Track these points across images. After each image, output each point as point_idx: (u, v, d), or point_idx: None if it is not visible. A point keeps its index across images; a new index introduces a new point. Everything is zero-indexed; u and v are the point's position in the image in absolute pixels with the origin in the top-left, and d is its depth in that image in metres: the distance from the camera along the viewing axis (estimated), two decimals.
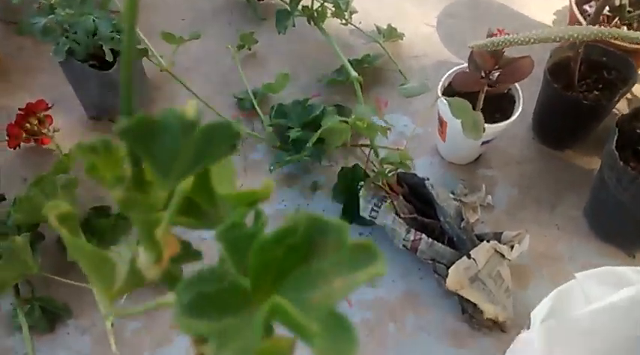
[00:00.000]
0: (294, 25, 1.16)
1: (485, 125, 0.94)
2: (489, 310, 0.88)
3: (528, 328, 0.74)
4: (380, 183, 0.96)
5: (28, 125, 1.05)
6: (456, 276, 0.88)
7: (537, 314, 0.75)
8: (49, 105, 1.07)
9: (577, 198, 1.06)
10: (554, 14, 1.35)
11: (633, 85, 1.04)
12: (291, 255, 0.25)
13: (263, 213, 0.28)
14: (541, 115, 1.13)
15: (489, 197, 1.05)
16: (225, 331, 0.23)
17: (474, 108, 0.92)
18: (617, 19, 1.15)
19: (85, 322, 0.94)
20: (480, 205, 1.03)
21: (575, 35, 0.85)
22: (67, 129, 1.12)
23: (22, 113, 1.05)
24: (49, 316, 0.92)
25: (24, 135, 1.05)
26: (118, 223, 1.00)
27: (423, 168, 1.09)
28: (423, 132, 1.14)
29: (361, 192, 0.97)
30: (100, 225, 0.98)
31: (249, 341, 0.23)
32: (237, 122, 0.24)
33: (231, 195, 0.28)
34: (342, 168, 1.04)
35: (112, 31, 0.98)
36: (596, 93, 1.05)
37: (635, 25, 1.15)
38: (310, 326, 0.22)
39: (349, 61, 1.14)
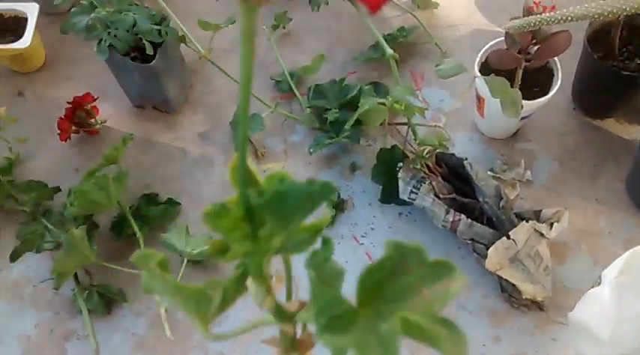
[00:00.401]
0: (327, 3, 1.16)
1: (524, 101, 0.94)
2: (528, 290, 0.90)
3: (599, 285, 0.76)
4: (418, 166, 0.97)
5: (76, 118, 1.09)
6: (496, 257, 0.90)
7: (609, 272, 0.76)
8: (95, 97, 1.11)
9: (618, 168, 1.05)
10: None
11: None
12: (385, 275, 0.30)
13: (330, 240, 0.34)
14: (581, 85, 1.11)
15: (528, 172, 1.05)
16: (359, 341, 0.28)
17: (511, 85, 0.92)
18: None
19: (140, 306, 1.00)
20: (518, 181, 1.04)
21: (615, 11, 0.83)
22: (114, 118, 1.16)
23: (70, 106, 1.09)
24: (105, 300, 0.98)
25: (73, 127, 1.10)
26: (167, 210, 1.04)
27: (462, 143, 1.10)
28: (462, 107, 1.13)
29: (400, 174, 0.98)
30: (150, 213, 1.03)
31: (381, 349, 0.28)
32: (333, 186, 0.30)
33: (301, 227, 0.33)
34: (381, 149, 1.05)
35: (151, 23, 1.00)
36: (638, 61, 1.03)
37: None
38: (438, 331, 0.27)
39: (384, 36, 1.14)
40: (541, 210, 0.96)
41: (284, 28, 1.25)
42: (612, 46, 1.02)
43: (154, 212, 1.03)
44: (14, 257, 0.99)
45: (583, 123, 1.11)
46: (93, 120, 1.11)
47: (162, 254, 0.32)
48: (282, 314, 0.33)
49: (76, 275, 0.99)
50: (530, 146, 1.09)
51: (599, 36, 1.04)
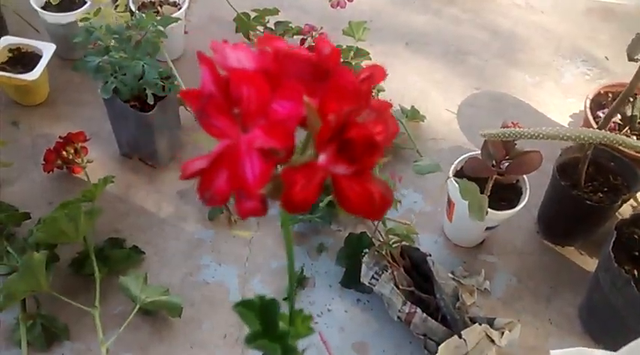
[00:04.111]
0: None
1: (491, 211, 0.99)
2: None
3: None
4: (384, 253, 1.00)
5: (64, 153, 1.12)
6: (446, 354, 0.90)
7: None
8: (88, 138, 1.15)
9: (573, 295, 1.08)
10: (570, 117, 1.41)
11: (637, 192, 1.09)
12: None
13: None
14: (547, 210, 1.17)
15: (487, 282, 1.08)
16: None
17: (481, 193, 0.97)
18: (627, 128, 1.21)
19: (81, 346, 0.97)
20: (477, 289, 1.06)
21: (582, 137, 0.90)
22: (99, 162, 1.19)
23: (61, 141, 1.12)
24: (48, 334, 0.96)
25: (59, 161, 1.12)
26: (131, 256, 1.05)
27: (427, 245, 1.13)
28: (432, 211, 1.18)
29: (364, 259, 1.01)
30: (113, 255, 1.03)
31: None
32: None
33: None
34: (350, 233, 1.08)
35: (157, 78, 1.06)
36: (601, 195, 1.09)
37: None
38: None
39: None
40: (495, 318, 0.98)
41: None
42: (579, 177, 1.09)
43: (117, 255, 1.04)
44: None
45: (544, 247, 1.16)
46: (80, 160, 1.14)
47: None
48: None
49: (24, 302, 0.97)
50: (492, 259, 1.13)
51: (568, 168, 1.11)
